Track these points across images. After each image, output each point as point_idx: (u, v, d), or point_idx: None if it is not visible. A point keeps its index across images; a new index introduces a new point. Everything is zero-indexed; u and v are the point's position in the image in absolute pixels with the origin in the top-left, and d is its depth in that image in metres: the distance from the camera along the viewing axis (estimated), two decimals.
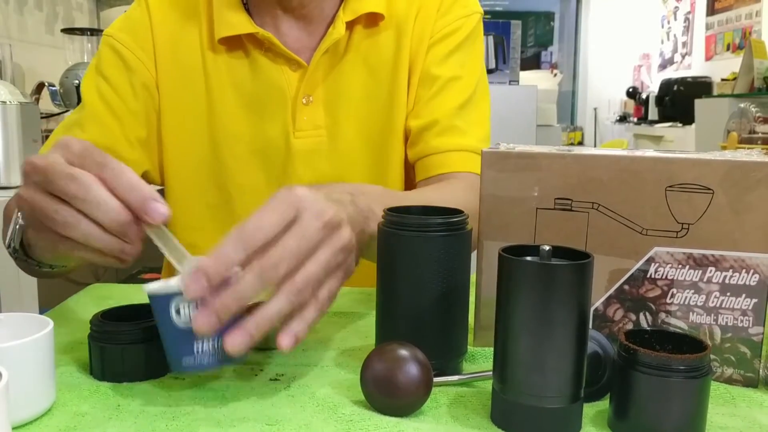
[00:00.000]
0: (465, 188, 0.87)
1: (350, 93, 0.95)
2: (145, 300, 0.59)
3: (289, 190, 0.56)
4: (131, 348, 0.60)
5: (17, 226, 0.70)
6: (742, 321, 0.60)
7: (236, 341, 0.52)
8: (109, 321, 0.62)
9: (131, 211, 0.54)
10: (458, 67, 0.97)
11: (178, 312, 0.55)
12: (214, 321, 0.52)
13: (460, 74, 0.97)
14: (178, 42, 0.95)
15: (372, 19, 0.95)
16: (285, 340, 0.54)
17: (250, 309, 0.54)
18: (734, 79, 3.82)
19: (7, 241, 0.72)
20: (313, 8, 0.94)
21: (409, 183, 1.01)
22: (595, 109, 6.81)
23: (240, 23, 0.92)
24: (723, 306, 0.61)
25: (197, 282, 0.52)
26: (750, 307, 0.60)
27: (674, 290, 0.62)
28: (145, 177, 0.98)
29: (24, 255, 0.71)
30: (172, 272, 1.08)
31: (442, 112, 0.95)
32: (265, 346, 0.68)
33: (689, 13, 5.49)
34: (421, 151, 0.96)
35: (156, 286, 0.57)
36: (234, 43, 0.94)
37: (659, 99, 5.16)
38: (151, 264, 2.23)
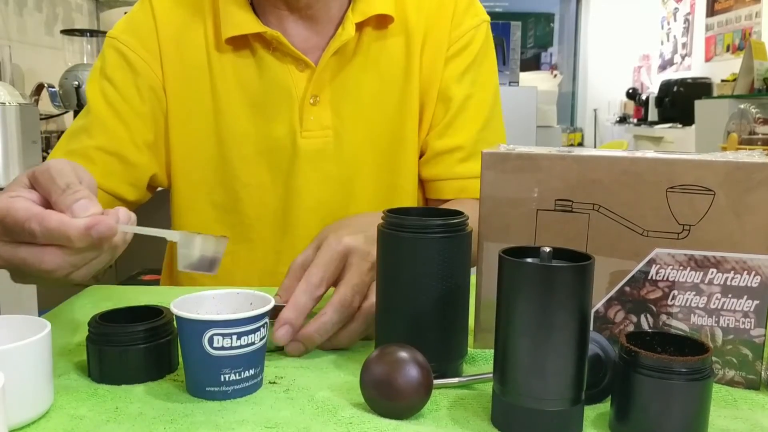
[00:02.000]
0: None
1: (358, 95, 0.95)
2: (144, 302, 0.58)
3: (336, 240, 0.67)
4: (130, 350, 0.60)
5: None
6: (743, 323, 0.60)
7: (289, 346, 0.66)
8: (108, 323, 0.61)
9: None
10: (472, 85, 0.98)
11: (210, 341, 0.55)
12: (301, 349, 0.66)
13: (477, 92, 0.98)
14: (183, 41, 0.95)
15: (381, 21, 0.95)
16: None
17: None
18: (734, 80, 3.82)
19: None
20: (319, 9, 0.94)
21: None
22: (594, 110, 6.81)
23: (247, 22, 0.92)
24: (724, 308, 0.60)
25: (285, 332, 0.64)
26: (751, 309, 0.60)
27: (675, 292, 0.61)
28: (153, 180, 0.98)
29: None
30: (172, 274, 1.09)
31: (465, 137, 0.96)
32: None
33: (689, 14, 5.48)
34: (441, 174, 0.97)
35: (185, 309, 0.58)
36: (240, 43, 0.93)
37: (659, 100, 5.16)
38: (150, 265, 2.23)
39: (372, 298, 0.66)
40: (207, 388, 0.57)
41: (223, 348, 0.55)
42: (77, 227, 0.54)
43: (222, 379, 0.56)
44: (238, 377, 0.57)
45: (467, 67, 0.97)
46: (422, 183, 1.01)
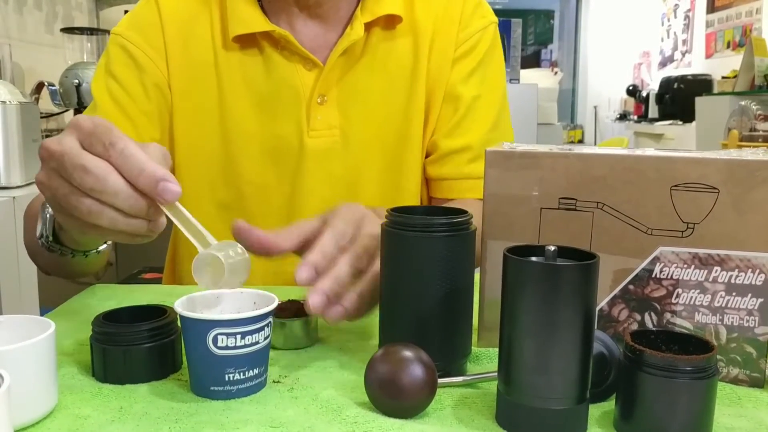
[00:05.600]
0: None
1: (365, 95, 0.95)
2: (147, 301, 0.58)
3: (350, 204, 0.69)
4: (134, 350, 0.60)
5: (47, 216, 0.75)
6: (747, 321, 0.60)
7: (329, 311, 0.62)
8: (112, 322, 0.61)
9: (145, 194, 0.55)
10: (480, 85, 0.98)
11: (215, 340, 0.55)
12: (323, 299, 0.61)
13: (485, 92, 0.98)
14: (189, 38, 0.94)
15: (390, 22, 0.94)
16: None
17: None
18: (735, 76, 3.82)
19: (38, 232, 0.76)
20: (329, 8, 0.93)
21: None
22: (595, 107, 6.80)
23: (255, 21, 0.91)
24: (728, 306, 0.60)
25: (309, 271, 0.62)
26: (756, 307, 0.60)
27: (679, 290, 0.61)
28: None
29: (57, 243, 0.76)
30: (174, 273, 1.09)
31: (474, 137, 0.96)
32: (293, 346, 0.68)
33: (689, 10, 5.48)
34: (450, 174, 0.97)
35: (189, 308, 0.58)
36: (248, 41, 0.93)
37: (659, 97, 5.15)
38: (151, 264, 2.22)
39: (376, 264, 0.64)
40: (211, 388, 0.57)
41: (227, 347, 0.55)
42: (155, 168, 0.54)
43: (226, 379, 0.56)
44: (242, 377, 0.57)
45: (474, 67, 0.97)
46: (427, 182, 1.01)
